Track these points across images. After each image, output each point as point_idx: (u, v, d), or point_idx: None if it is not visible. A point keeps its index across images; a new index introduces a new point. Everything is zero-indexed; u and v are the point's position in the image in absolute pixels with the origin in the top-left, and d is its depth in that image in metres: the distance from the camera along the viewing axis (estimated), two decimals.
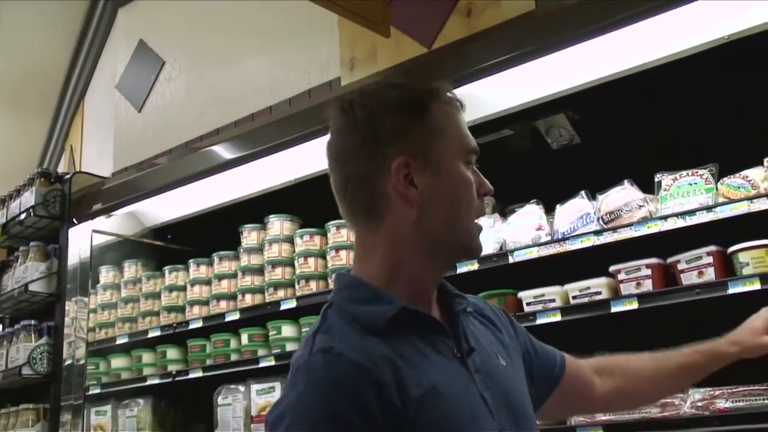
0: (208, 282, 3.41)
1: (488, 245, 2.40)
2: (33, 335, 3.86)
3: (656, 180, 2.24)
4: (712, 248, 2.08)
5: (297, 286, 3.03)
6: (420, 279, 1.22)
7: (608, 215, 2.25)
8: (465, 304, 1.29)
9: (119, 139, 4.91)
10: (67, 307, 3.82)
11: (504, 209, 2.59)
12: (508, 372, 1.27)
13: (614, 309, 2.17)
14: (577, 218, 2.32)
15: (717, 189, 2.10)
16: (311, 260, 3.03)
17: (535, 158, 2.76)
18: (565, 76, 2.32)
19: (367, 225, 1.22)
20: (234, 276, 3.30)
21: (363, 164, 1.20)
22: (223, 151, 3.19)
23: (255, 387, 3.03)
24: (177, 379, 3.37)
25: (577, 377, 1.47)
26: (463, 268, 2.40)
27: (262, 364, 3.02)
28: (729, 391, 1.96)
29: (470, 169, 1.24)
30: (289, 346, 2.99)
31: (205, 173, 3.23)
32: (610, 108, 2.45)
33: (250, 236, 3.30)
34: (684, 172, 2.18)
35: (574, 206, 2.35)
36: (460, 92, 1.28)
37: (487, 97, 2.42)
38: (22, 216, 4.00)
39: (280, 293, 3.08)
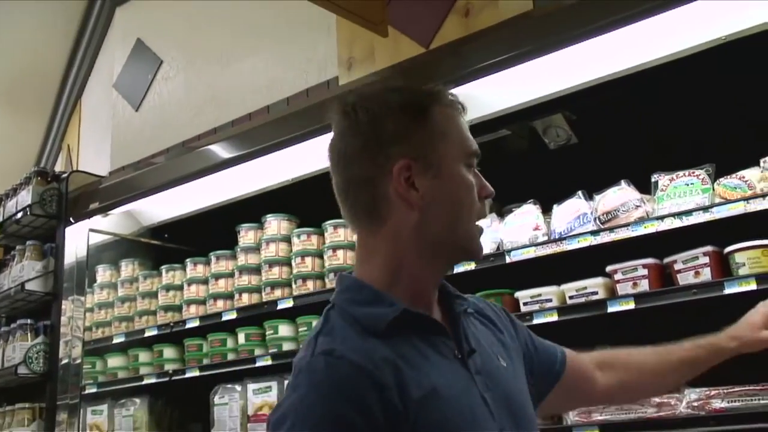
0: (205, 281, 3.41)
1: (485, 245, 2.40)
2: (29, 334, 3.86)
3: (653, 180, 2.24)
4: (708, 248, 2.08)
5: (294, 286, 3.03)
6: (421, 281, 1.22)
7: (605, 215, 2.26)
8: (466, 305, 1.29)
9: (116, 138, 4.91)
10: (63, 306, 3.82)
11: (501, 209, 2.59)
12: (509, 373, 1.27)
13: (611, 309, 2.18)
14: (574, 218, 2.32)
15: (713, 189, 2.10)
16: (308, 260, 3.03)
17: (532, 158, 2.76)
18: (562, 76, 2.32)
19: (368, 227, 1.23)
20: (231, 275, 3.29)
21: (365, 166, 1.20)
22: (220, 151, 3.19)
23: (252, 386, 3.02)
24: (174, 378, 3.36)
25: (578, 372, 1.48)
26: (460, 268, 2.40)
27: (258, 364, 3.01)
28: (725, 391, 1.97)
29: (471, 171, 1.24)
30: (286, 346, 2.97)
31: (203, 172, 3.22)
32: (608, 108, 2.45)
33: (247, 235, 3.30)
34: (681, 173, 2.19)
35: (571, 206, 2.36)
36: (458, 92, 1.28)
37: (484, 97, 2.42)
38: (19, 215, 4.00)
39: (277, 293, 3.08)
